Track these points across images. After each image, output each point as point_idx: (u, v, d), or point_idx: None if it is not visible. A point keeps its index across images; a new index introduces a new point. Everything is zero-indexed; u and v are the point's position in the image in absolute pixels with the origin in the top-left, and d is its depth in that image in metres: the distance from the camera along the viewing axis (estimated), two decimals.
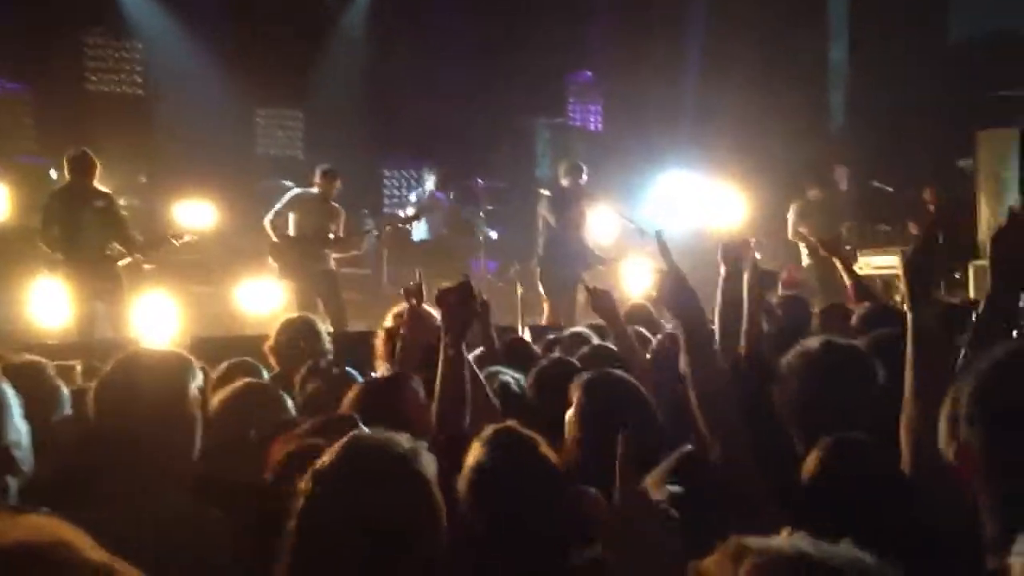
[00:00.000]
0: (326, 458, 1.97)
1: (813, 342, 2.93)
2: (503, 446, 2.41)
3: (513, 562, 2.29)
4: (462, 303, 3.04)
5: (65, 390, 3.48)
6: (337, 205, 9.36)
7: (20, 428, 2.23)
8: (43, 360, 3.54)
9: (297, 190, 9.39)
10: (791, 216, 10.64)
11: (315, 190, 9.24)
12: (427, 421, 2.98)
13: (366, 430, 2.22)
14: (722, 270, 3.95)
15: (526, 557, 2.29)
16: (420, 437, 2.69)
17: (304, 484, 1.93)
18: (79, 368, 4.75)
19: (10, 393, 2.24)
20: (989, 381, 1.60)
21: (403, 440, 2.02)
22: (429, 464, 2.00)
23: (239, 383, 3.57)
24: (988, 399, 1.58)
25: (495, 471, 2.37)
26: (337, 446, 2.00)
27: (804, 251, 10.55)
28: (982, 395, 1.59)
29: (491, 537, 2.32)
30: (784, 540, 1.12)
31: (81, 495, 2.44)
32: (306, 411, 3.74)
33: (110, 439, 2.56)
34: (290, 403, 3.56)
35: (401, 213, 12.16)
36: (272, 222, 9.11)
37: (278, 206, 9.19)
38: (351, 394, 3.26)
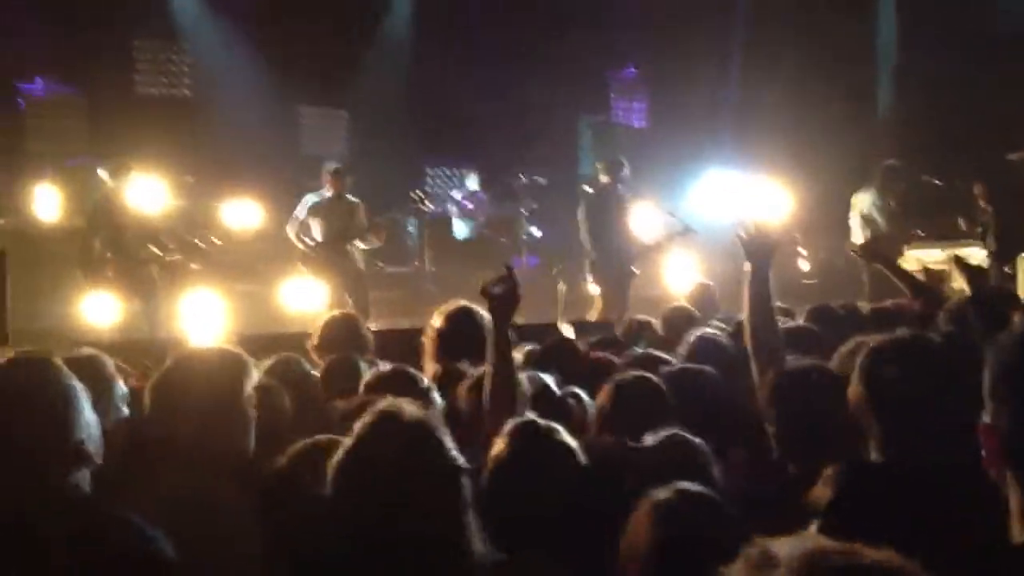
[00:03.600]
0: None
1: None
2: (524, 438, 2.44)
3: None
4: (507, 293, 3.13)
5: (122, 386, 3.44)
6: (354, 199, 9.45)
7: (90, 421, 2.24)
8: (102, 355, 3.48)
9: (312, 196, 9.48)
10: (864, 207, 10.41)
11: (328, 192, 9.35)
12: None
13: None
14: (747, 267, 3.51)
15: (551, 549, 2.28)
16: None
17: None
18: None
19: (79, 387, 2.26)
20: (1012, 357, 1.57)
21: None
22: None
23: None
24: (1012, 376, 1.56)
25: (515, 463, 2.39)
26: None
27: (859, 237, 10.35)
28: (1005, 372, 1.56)
29: (511, 531, 2.30)
30: (807, 544, 1.07)
31: (135, 489, 2.51)
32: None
33: (164, 435, 2.62)
34: None
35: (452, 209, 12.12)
36: (295, 232, 9.27)
37: (299, 215, 9.32)
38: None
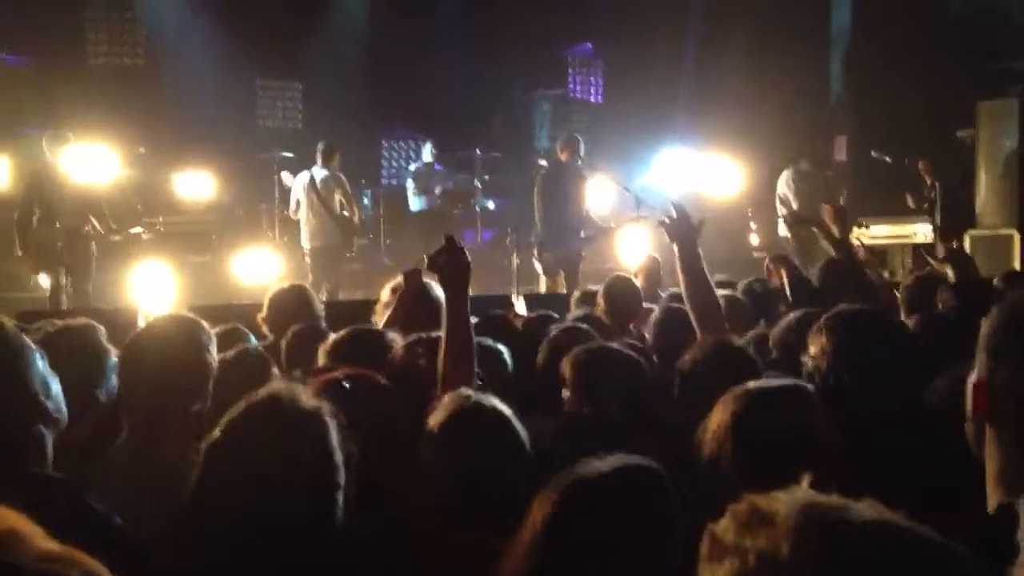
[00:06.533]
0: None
1: None
2: (461, 411, 2.43)
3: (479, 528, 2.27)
4: (452, 260, 3.12)
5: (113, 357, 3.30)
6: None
7: (47, 377, 2.22)
8: (95, 324, 3.37)
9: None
10: (780, 186, 10.60)
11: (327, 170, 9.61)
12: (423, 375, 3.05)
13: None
14: (675, 248, 3.76)
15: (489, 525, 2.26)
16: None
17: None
18: None
19: (31, 346, 2.24)
20: (1016, 314, 1.54)
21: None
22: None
23: (232, 350, 3.65)
24: (1012, 332, 1.52)
25: (449, 437, 2.39)
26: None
27: (781, 222, 10.55)
28: (1010, 327, 1.53)
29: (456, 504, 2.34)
30: (800, 499, 1.00)
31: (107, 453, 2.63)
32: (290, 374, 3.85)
33: (136, 397, 2.73)
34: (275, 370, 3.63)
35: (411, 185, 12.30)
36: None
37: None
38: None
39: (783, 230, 10.47)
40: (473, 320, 4.45)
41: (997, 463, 1.52)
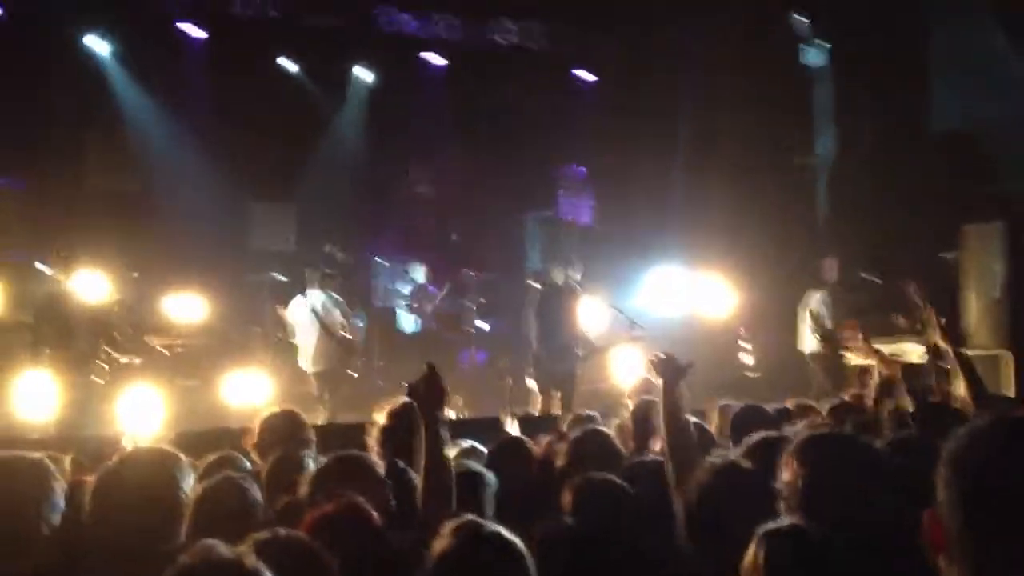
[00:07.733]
0: None
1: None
2: (469, 538, 2.42)
3: None
4: (430, 391, 3.27)
5: (59, 490, 3.22)
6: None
7: None
8: (45, 459, 3.28)
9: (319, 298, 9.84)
10: (813, 304, 10.75)
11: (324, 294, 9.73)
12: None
13: None
14: (660, 383, 3.85)
15: None
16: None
17: None
18: (67, 463, 4.63)
19: None
20: (967, 447, 1.56)
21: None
22: None
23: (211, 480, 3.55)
24: (963, 464, 1.55)
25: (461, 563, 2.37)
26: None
27: (812, 339, 10.66)
28: (957, 460, 1.56)
29: None
30: None
31: None
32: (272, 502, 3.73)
33: (103, 535, 2.71)
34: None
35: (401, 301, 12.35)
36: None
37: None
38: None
39: (811, 346, 10.61)
40: (482, 448, 4.48)
41: None
